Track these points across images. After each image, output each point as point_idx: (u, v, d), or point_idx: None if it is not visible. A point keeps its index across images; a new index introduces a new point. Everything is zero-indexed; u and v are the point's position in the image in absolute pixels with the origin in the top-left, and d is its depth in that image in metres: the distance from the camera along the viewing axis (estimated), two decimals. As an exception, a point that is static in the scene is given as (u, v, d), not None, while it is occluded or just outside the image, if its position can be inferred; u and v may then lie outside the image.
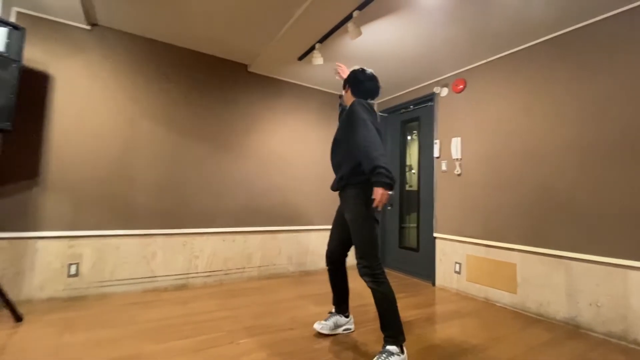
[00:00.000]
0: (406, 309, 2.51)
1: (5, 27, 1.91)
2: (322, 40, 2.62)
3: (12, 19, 2.30)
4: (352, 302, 2.58)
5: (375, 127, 1.69)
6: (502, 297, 2.68)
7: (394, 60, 3.02)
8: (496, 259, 2.74)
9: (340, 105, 2.14)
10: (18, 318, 2.00)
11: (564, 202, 2.34)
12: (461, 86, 3.11)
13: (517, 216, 2.62)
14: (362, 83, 1.89)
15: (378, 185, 1.52)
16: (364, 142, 1.60)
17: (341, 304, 2.01)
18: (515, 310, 2.58)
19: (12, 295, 2.27)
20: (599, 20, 2.22)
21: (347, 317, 2.03)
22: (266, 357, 1.67)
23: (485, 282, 2.80)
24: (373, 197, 1.55)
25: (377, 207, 1.56)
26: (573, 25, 2.33)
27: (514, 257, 2.62)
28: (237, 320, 2.16)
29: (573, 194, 2.30)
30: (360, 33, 2.21)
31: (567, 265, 2.30)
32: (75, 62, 2.54)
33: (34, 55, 2.39)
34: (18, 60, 1.97)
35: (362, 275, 1.68)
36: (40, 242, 2.36)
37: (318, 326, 1.97)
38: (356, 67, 1.98)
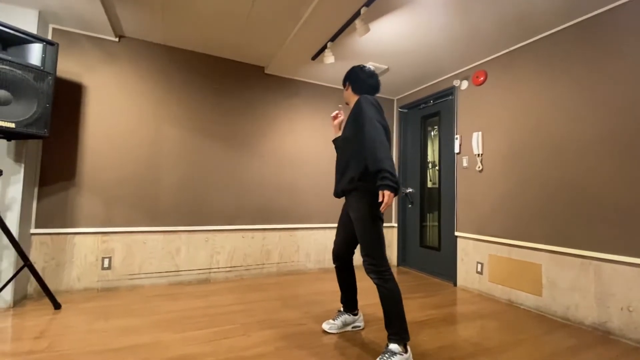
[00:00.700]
0: (422, 309, 2.46)
1: (40, 43, 2.11)
2: (333, 38, 2.63)
3: (49, 35, 2.53)
4: (364, 300, 2.58)
5: (383, 125, 1.67)
6: (526, 299, 2.54)
7: (409, 55, 2.96)
8: (520, 259, 2.60)
9: None
10: (57, 305, 2.22)
11: (594, 199, 2.18)
12: (482, 78, 2.98)
13: (542, 214, 2.47)
14: (363, 81, 1.89)
15: (384, 189, 1.52)
16: (371, 142, 1.60)
17: (349, 301, 2.02)
18: (540, 313, 2.44)
19: (53, 285, 2.52)
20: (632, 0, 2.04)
21: (355, 314, 2.04)
22: (274, 350, 1.73)
23: (509, 283, 2.67)
24: (380, 200, 1.54)
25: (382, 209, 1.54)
26: (603, 6, 2.15)
27: (539, 258, 2.48)
28: (252, 314, 2.24)
29: (604, 190, 2.13)
30: (368, 30, 2.19)
31: (597, 267, 2.14)
32: (105, 72, 2.75)
33: (69, 67, 2.63)
34: (52, 73, 2.17)
35: (368, 272, 1.68)
36: (77, 238, 2.60)
37: (326, 326, 1.99)
38: (356, 65, 1.97)
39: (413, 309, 2.45)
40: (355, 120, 1.76)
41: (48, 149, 2.55)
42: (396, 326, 1.60)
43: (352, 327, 2.03)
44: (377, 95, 4.04)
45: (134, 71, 2.86)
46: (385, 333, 1.96)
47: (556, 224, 2.38)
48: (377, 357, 1.61)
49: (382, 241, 1.69)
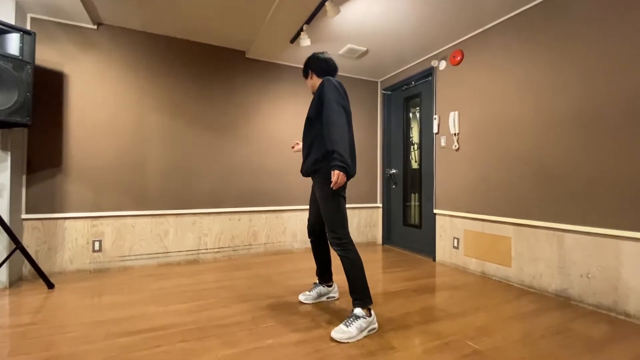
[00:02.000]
0: (398, 281, 2.60)
1: (17, 32, 2.16)
2: (308, 21, 2.66)
3: (27, 24, 2.57)
4: (341, 274, 2.71)
5: (344, 107, 1.75)
6: (497, 270, 2.67)
7: (387, 36, 2.98)
8: (492, 234, 2.72)
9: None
10: (50, 285, 2.35)
11: (557, 174, 2.27)
12: (458, 58, 3.02)
13: (512, 190, 2.57)
14: (325, 62, 1.96)
15: (334, 169, 1.67)
16: (327, 124, 1.71)
17: (324, 274, 2.14)
18: (509, 283, 2.57)
19: (47, 267, 2.65)
20: (596, -24, 2.07)
21: (330, 286, 2.17)
22: (250, 319, 1.86)
23: (482, 256, 2.80)
24: (332, 179, 1.67)
25: (336, 186, 1.69)
26: (569, -17, 2.18)
27: (509, 231, 2.59)
28: (235, 290, 2.37)
29: (566, 166, 2.22)
30: (338, 11, 2.23)
31: (560, 237, 2.25)
32: (86, 60, 2.80)
33: (49, 57, 2.67)
34: (31, 62, 2.23)
35: (332, 245, 1.79)
36: (67, 222, 2.71)
37: (302, 297, 2.13)
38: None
39: (389, 282, 2.59)
40: (319, 101, 1.83)
41: (33, 137, 2.63)
42: (359, 292, 1.72)
43: (327, 298, 2.16)
44: (360, 77, 4.08)
45: (115, 59, 2.91)
46: (356, 302, 2.10)
47: (523, 198, 2.48)
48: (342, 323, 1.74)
49: (344, 217, 1.79)
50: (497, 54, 2.70)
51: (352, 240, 1.77)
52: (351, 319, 1.67)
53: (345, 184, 1.77)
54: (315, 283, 2.19)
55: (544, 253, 2.34)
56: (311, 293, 2.13)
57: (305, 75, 2.05)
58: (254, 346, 1.54)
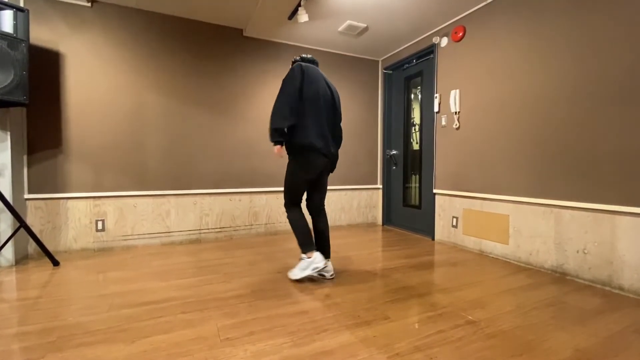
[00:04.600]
0: (396, 258, 2.63)
1: (10, 9, 2.13)
2: (306, -4, 2.60)
3: (20, 1, 2.53)
4: (343, 252, 2.74)
5: (303, 84, 2.04)
6: (494, 248, 2.70)
7: (387, 11, 2.91)
8: (490, 212, 2.73)
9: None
10: (55, 263, 2.41)
11: (556, 150, 2.25)
12: (460, 34, 2.95)
13: (510, 167, 2.56)
14: (304, 58, 2.24)
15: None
16: (275, 104, 2.05)
17: (320, 248, 2.20)
18: (506, 260, 2.60)
19: (52, 246, 2.71)
20: (604, -57, 1.98)
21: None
22: (250, 293, 1.90)
23: (480, 234, 2.82)
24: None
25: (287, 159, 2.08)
26: (575, -48, 2.10)
27: (507, 209, 2.60)
28: (236, 266, 2.42)
29: (566, 142, 2.20)
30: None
31: (558, 214, 2.26)
32: (81, 39, 2.76)
33: (43, 35, 2.64)
34: (26, 40, 2.20)
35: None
36: (70, 202, 2.75)
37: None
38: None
39: (387, 259, 2.62)
40: None
41: (32, 117, 2.63)
42: (299, 240, 2.13)
43: (318, 273, 2.21)
44: (361, 56, 4.00)
45: (110, 37, 2.87)
46: (350, 278, 2.14)
47: (522, 176, 2.47)
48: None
49: (292, 189, 2.16)
50: (500, 28, 2.63)
51: (292, 207, 2.19)
52: (299, 262, 2.13)
53: (308, 162, 2.08)
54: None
55: (541, 230, 2.36)
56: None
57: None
58: (253, 317, 1.59)
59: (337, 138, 2.27)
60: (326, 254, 2.21)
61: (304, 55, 2.24)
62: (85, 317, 1.58)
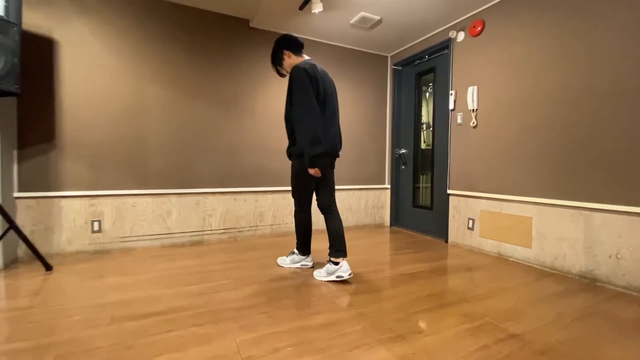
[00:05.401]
0: (412, 262, 2.50)
1: (0, -12, 1.93)
2: (321, -17, 2.44)
3: (11, -18, 2.32)
4: (363, 254, 2.60)
5: (319, 90, 1.96)
6: (515, 251, 2.58)
7: (404, 4, 2.77)
8: (511, 214, 2.61)
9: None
10: (48, 267, 2.22)
11: (587, 150, 2.14)
12: (479, 28, 2.83)
13: (533, 167, 2.44)
14: (294, 38, 2.09)
15: (309, 166, 2.00)
16: (296, 122, 1.96)
17: (330, 247, 2.13)
18: (528, 264, 2.49)
19: (44, 248, 2.51)
20: None
21: (335, 264, 2.08)
22: (266, 301, 1.74)
23: (499, 237, 2.70)
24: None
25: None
26: (611, -60, 1.99)
27: (530, 211, 2.48)
28: (245, 271, 2.25)
29: (598, 141, 2.08)
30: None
31: (588, 217, 2.14)
32: (77, 26, 2.56)
33: (37, 21, 2.44)
34: (18, 23, 2.01)
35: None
36: (63, 201, 2.55)
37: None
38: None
39: (403, 263, 2.49)
40: (290, 91, 2.04)
41: (23, 109, 2.43)
42: (298, 240, 2.31)
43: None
44: (370, 51, 3.87)
45: (108, 24, 2.68)
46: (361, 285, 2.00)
47: (548, 176, 2.36)
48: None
49: (300, 190, 2.18)
50: (523, 22, 2.51)
51: (300, 210, 2.24)
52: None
53: (319, 161, 1.99)
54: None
55: (569, 233, 2.24)
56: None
57: (279, 61, 2.13)
58: (274, 330, 1.43)
59: (339, 132, 2.21)
60: (343, 253, 2.08)
61: (292, 37, 2.09)
62: (85, 331, 1.40)
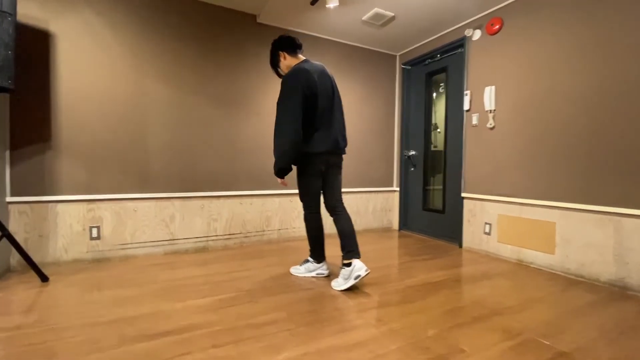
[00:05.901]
0: (431, 270, 2.38)
1: (-8, -26, 1.76)
2: (337, -24, 2.32)
3: (4, -31, 2.14)
4: (384, 260, 2.48)
5: (311, 93, 1.90)
6: (536, 257, 2.49)
7: (418, 1, 2.66)
8: (532, 218, 2.52)
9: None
10: (44, 278, 2.04)
11: (616, 152, 2.05)
12: (497, 26, 2.73)
13: (558, 171, 2.35)
14: (291, 38, 2.06)
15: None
16: (275, 129, 1.96)
17: (342, 249, 2.02)
18: (552, 271, 2.39)
19: (38, 257, 2.33)
20: None
21: (348, 265, 1.97)
22: (286, 317, 1.61)
23: (519, 242, 2.60)
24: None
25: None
26: None
27: (553, 216, 2.39)
28: (256, 281, 2.11)
29: (628, 142, 2.00)
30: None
31: (617, 222, 2.05)
32: (74, 18, 2.40)
33: (32, 12, 2.27)
34: (12, 13, 1.84)
35: None
36: (59, 206, 2.37)
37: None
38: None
39: (424, 271, 2.37)
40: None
41: (17, 107, 2.25)
42: (310, 246, 2.22)
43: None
44: (378, 49, 3.75)
45: (108, 17, 2.51)
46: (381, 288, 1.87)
47: (573, 180, 2.27)
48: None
49: (308, 193, 2.12)
50: (544, 21, 2.42)
51: (309, 212, 2.15)
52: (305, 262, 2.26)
53: (317, 161, 2.01)
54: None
55: (596, 239, 2.15)
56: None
57: (277, 63, 2.11)
58: (302, 352, 1.29)
59: (344, 129, 2.14)
60: (355, 254, 1.97)
61: (287, 37, 2.07)
62: (91, 356, 1.25)
